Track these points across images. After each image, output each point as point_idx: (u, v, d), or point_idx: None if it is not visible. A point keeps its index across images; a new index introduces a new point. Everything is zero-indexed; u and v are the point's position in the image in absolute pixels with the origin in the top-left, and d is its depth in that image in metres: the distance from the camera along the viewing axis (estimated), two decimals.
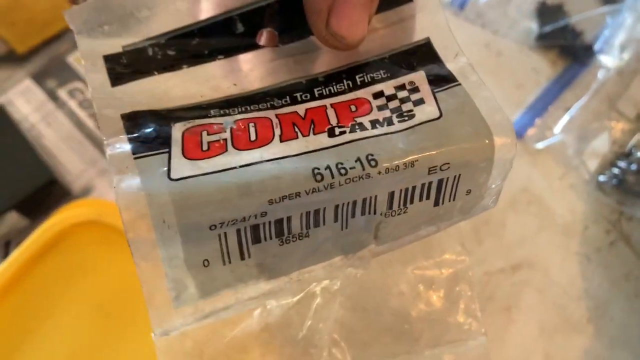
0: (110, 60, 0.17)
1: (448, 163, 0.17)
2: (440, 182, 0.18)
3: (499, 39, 0.59)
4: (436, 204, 0.19)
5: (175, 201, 0.16)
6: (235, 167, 0.16)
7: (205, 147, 0.17)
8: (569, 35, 0.58)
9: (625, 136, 0.55)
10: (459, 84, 0.19)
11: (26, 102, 0.48)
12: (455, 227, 0.21)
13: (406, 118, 0.18)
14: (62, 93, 0.49)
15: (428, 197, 0.18)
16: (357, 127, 0.17)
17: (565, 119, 0.56)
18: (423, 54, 0.19)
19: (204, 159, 0.16)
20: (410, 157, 0.17)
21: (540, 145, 0.55)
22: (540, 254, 0.52)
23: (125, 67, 0.17)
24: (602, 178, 0.54)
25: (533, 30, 0.59)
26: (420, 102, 0.18)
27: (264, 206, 0.16)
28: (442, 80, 0.19)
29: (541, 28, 0.58)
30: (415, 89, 0.18)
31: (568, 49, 0.58)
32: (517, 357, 0.49)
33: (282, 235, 0.17)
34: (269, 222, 0.17)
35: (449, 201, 0.19)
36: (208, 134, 0.17)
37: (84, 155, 0.47)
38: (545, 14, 0.59)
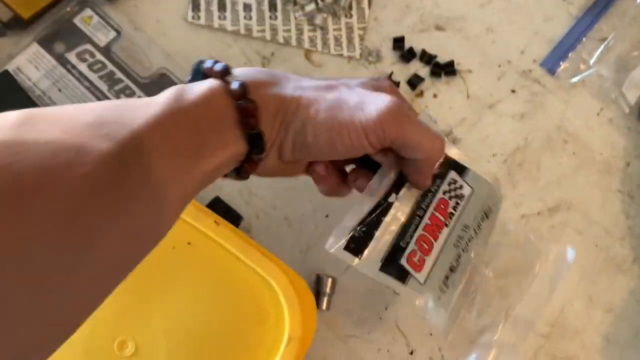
0: (348, 248, 0.35)
1: (489, 205, 0.41)
2: (486, 212, 0.40)
3: None
4: (487, 218, 0.41)
5: (430, 292, 0.37)
6: (433, 265, 0.37)
7: (418, 263, 0.36)
8: None
9: None
10: (469, 169, 0.40)
11: (35, 68, 0.47)
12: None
13: (461, 198, 0.39)
14: (71, 56, 0.47)
15: (486, 218, 0.41)
16: (451, 215, 0.38)
17: (601, 50, 0.52)
18: (449, 162, 0.39)
19: (422, 268, 0.36)
20: (475, 216, 0.40)
21: (574, 79, 0.52)
22: (579, 194, 0.50)
23: (354, 248, 0.35)
24: None
25: None
26: (460, 187, 0.39)
27: (449, 265, 0.38)
28: (462, 170, 0.40)
29: None
30: (456, 181, 0.39)
31: None
32: (559, 304, 0.47)
33: (459, 260, 0.39)
34: (454, 264, 0.38)
35: (493, 214, 0.42)
36: (414, 257, 0.36)
37: None
38: None
